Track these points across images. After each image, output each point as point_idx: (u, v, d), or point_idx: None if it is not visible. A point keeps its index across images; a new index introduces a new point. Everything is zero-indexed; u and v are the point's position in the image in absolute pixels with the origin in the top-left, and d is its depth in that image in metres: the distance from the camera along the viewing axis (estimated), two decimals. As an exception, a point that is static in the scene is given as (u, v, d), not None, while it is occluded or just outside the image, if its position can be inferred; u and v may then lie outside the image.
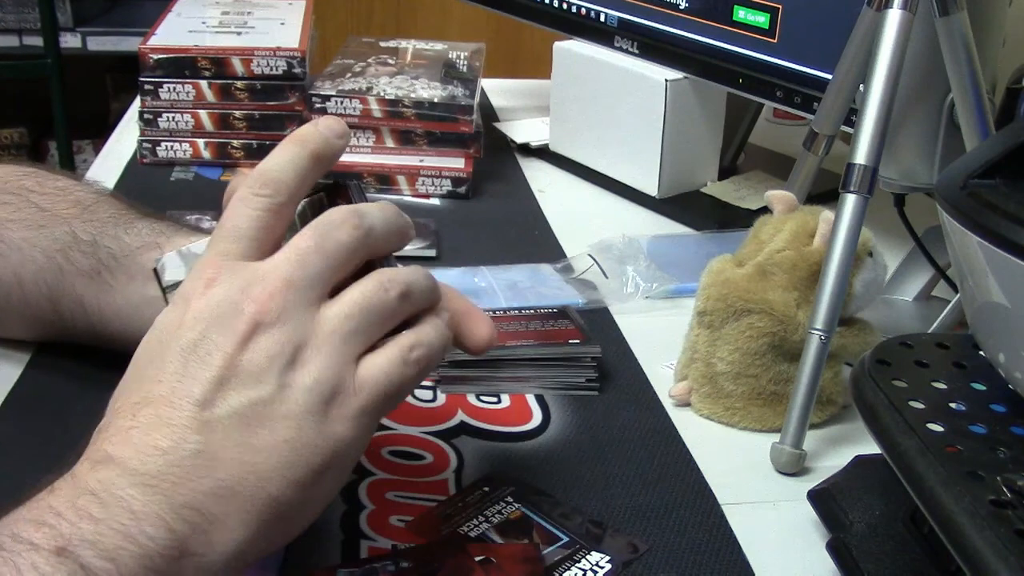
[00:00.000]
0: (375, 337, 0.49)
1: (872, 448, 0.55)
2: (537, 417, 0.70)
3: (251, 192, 0.51)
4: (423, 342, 0.50)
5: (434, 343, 0.51)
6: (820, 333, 0.66)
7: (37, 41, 2.26)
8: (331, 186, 0.56)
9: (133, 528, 0.42)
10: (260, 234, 0.50)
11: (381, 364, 0.49)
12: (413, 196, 1.06)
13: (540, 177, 1.13)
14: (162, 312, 0.50)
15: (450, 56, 1.20)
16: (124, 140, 1.16)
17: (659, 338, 0.79)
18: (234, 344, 0.46)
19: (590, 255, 0.90)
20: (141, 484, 0.43)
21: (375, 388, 0.48)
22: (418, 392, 0.72)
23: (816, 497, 0.61)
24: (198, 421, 0.45)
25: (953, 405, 0.54)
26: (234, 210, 0.51)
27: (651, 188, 1.06)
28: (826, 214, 0.71)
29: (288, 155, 0.52)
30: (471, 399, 0.71)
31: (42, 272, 0.67)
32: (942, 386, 0.55)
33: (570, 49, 1.12)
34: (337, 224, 0.50)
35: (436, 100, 1.06)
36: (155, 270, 0.62)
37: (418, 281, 0.51)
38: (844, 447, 0.68)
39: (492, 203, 1.06)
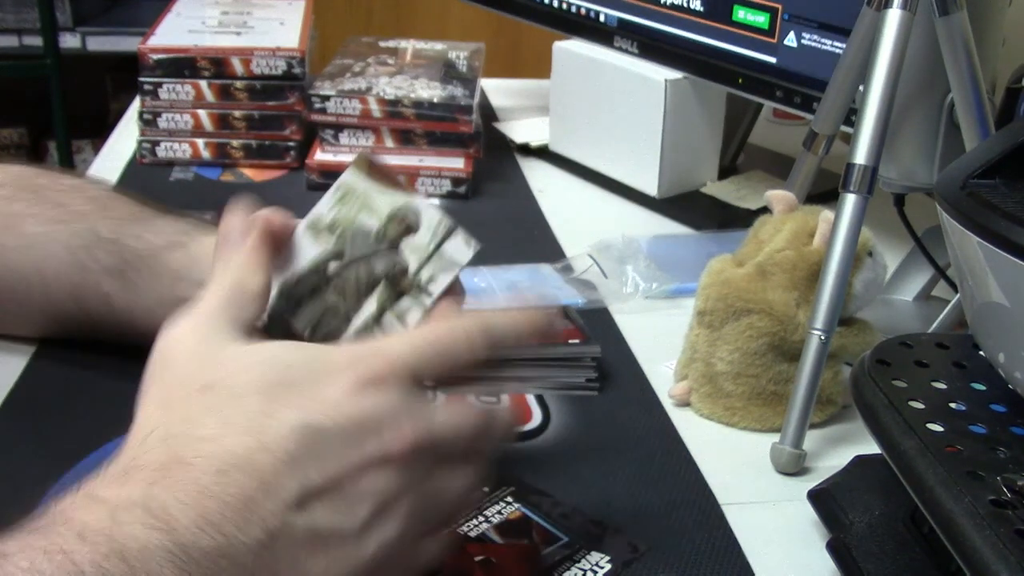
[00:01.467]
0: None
1: (872, 448, 0.55)
2: (537, 417, 0.70)
3: (466, 341, 0.49)
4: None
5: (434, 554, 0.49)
6: (820, 333, 0.66)
7: (37, 41, 2.26)
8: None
9: None
10: (438, 370, 0.49)
11: (422, 559, 0.48)
12: (413, 196, 1.06)
13: (540, 177, 1.13)
14: (297, 345, 0.47)
15: (450, 56, 1.20)
16: (124, 140, 1.16)
17: (659, 338, 0.79)
18: (355, 463, 0.44)
19: (590, 255, 0.90)
20: (177, 566, 0.39)
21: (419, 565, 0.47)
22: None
23: (816, 497, 0.61)
24: (278, 519, 0.42)
25: (953, 405, 0.54)
26: (443, 342, 0.48)
27: (651, 188, 1.06)
28: (826, 214, 0.71)
29: (512, 324, 0.52)
30: (471, 399, 0.71)
31: (65, 268, 0.67)
32: (942, 386, 0.55)
33: (570, 49, 1.12)
34: (489, 425, 0.49)
35: (436, 100, 1.06)
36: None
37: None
38: (844, 447, 0.68)
39: (492, 203, 1.06)
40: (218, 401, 0.44)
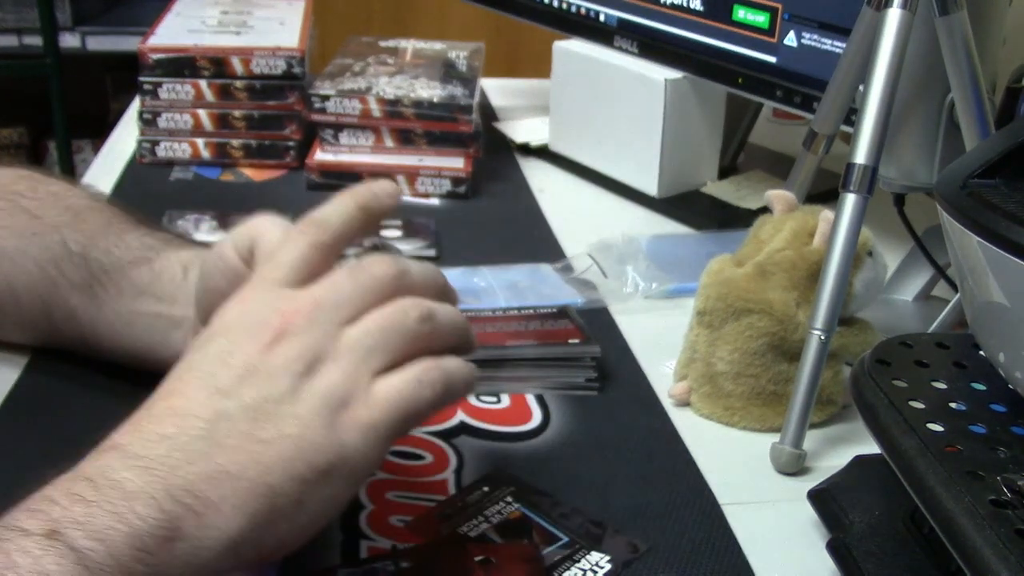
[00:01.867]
0: (395, 358, 0.50)
1: (872, 448, 0.55)
2: (537, 417, 0.70)
3: (298, 230, 0.53)
4: (441, 367, 0.51)
5: (453, 372, 0.51)
6: (820, 333, 0.66)
7: (36, 41, 2.25)
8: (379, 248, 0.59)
9: (124, 508, 0.42)
10: (300, 264, 0.51)
11: (395, 383, 0.49)
12: (413, 196, 1.06)
13: (540, 177, 1.13)
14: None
15: (449, 56, 1.20)
16: (123, 140, 1.16)
17: (659, 338, 0.79)
18: (256, 349, 0.48)
19: (590, 255, 0.90)
20: (137, 467, 0.44)
21: (387, 404, 0.49)
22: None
23: (816, 497, 0.61)
24: (208, 410, 0.46)
25: (953, 405, 0.54)
26: (280, 244, 0.53)
27: (651, 188, 1.06)
28: (826, 213, 0.71)
29: (337, 203, 0.54)
30: (471, 399, 0.71)
31: (35, 283, 0.67)
32: (942, 386, 0.55)
33: (570, 49, 1.12)
34: (373, 262, 0.52)
35: (435, 100, 1.06)
36: None
37: (447, 313, 0.52)
38: (844, 447, 0.68)
39: (492, 203, 1.06)
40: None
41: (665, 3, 1.02)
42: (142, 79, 1.07)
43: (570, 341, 0.74)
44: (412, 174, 1.06)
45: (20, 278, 0.68)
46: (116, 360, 0.68)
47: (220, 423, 0.46)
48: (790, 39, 0.92)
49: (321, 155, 1.06)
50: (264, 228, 0.55)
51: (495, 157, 1.15)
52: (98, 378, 0.70)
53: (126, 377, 0.70)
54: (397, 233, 0.94)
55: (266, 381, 0.47)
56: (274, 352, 0.48)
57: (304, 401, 0.47)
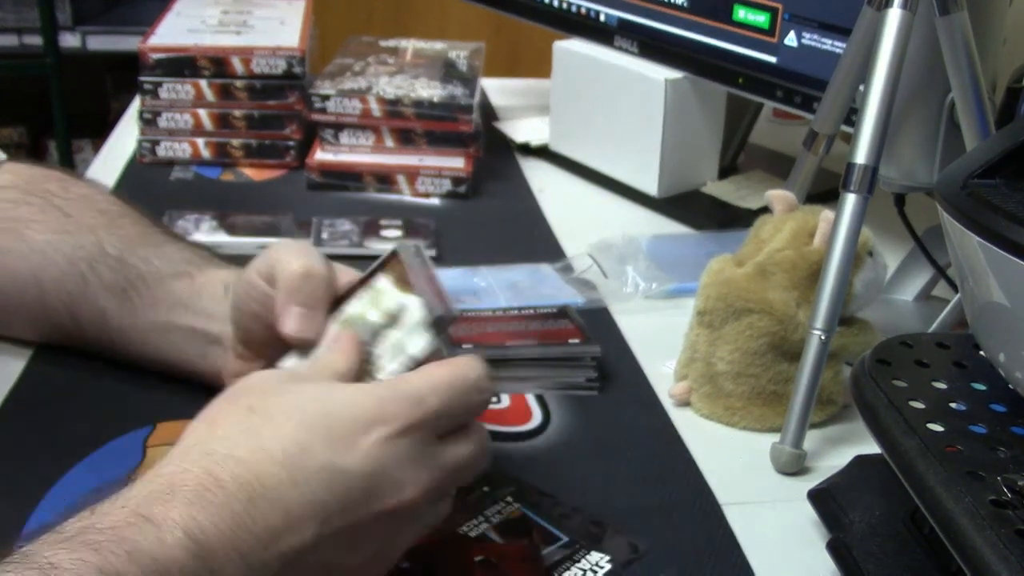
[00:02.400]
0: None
1: (872, 448, 0.55)
2: (537, 417, 0.70)
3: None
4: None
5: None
6: (820, 333, 0.66)
7: (37, 40, 2.25)
8: (388, 257, 0.59)
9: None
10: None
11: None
12: (413, 195, 1.06)
13: (540, 176, 1.13)
14: (336, 389, 0.52)
15: (450, 55, 1.20)
16: (124, 139, 1.16)
17: (659, 338, 0.79)
18: (374, 513, 0.49)
19: (590, 255, 0.90)
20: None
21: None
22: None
23: (816, 497, 0.61)
24: (294, 554, 0.47)
25: (953, 405, 0.54)
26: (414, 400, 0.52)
27: (651, 188, 1.06)
28: (826, 213, 0.71)
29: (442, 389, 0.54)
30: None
31: (64, 278, 0.68)
32: (942, 386, 0.55)
33: (570, 49, 1.12)
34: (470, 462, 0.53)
35: (436, 99, 1.06)
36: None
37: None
38: (844, 447, 0.68)
39: (492, 203, 1.06)
40: (258, 423, 0.48)
41: (666, 3, 1.02)
42: (142, 79, 1.07)
43: (570, 341, 0.74)
44: (412, 174, 1.06)
45: (49, 271, 0.68)
46: (142, 365, 0.69)
47: (292, 568, 0.47)
48: (790, 39, 0.92)
49: (321, 155, 1.06)
50: (281, 251, 0.59)
51: (495, 157, 1.15)
52: (100, 376, 0.70)
53: (128, 376, 0.70)
54: (397, 233, 0.94)
55: (357, 547, 0.49)
56: (383, 523, 0.49)
57: (368, 563, 0.50)
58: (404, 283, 0.56)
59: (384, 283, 0.57)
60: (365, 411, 0.49)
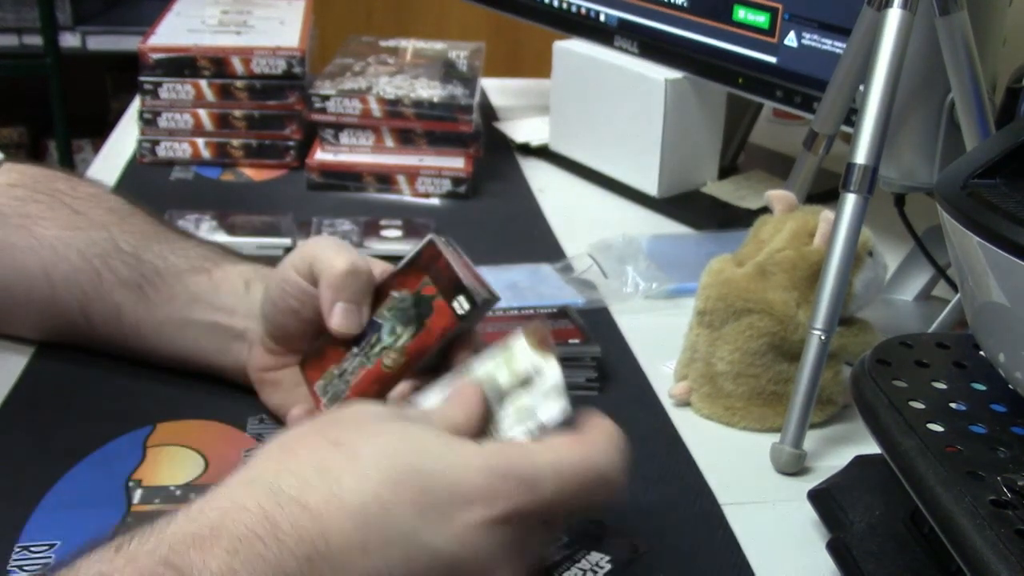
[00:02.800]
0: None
1: (872, 448, 0.55)
2: (537, 417, 0.70)
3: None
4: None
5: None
6: (820, 333, 0.66)
7: (37, 40, 2.25)
8: (422, 252, 0.58)
9: None
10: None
11: None
12: (413, 196, 1.06)
13: (540, 176, 1.13)
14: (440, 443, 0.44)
15: (450, 55, 1.20)
16: (124, 139, 1.16)
17: (659, 338, 0.79)
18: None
19: (590, 255, 0.90)
20: None
21: None
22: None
23: (816, 497, 0.61)
24: None
25: (953, 405, 0.54)
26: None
27: (651, 188, 1.06)
28: (826, 213, 0.71)
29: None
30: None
31: (77, 274, 0.68)
32: (942, 386, 0.55)
33: (570, 49, 1.12)
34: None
35: (436, 100, 1.06)
36: None
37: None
38: (844, 447, 0.68)
39: (492, 203, 1.06)
40: (340, 464, 0.41)
41: (666, 3, 1.02)
42: (142, 79, 1.07)
43: (570, 341, 0.74)
44: (412, 174, 1.06)
45: (60, 267, 0.68)
46: (157, 362, 0.69)
47: None
48: (790, 39, 0.92)
49: (321, 155, 1.06)
50: (319, 249, 0.59)
51: (495, 157, 1.15)
52: (100, 376, 0.70)
53: (128, 376, 0.70)
54: (398, 233, 0.94)
55: None
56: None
57: None
58: (543, 345, 0.52)
59: (519, 344, 0.52)
60: (469, 482, 0.42)
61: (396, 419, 0.45)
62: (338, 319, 0.57)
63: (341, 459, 0.41)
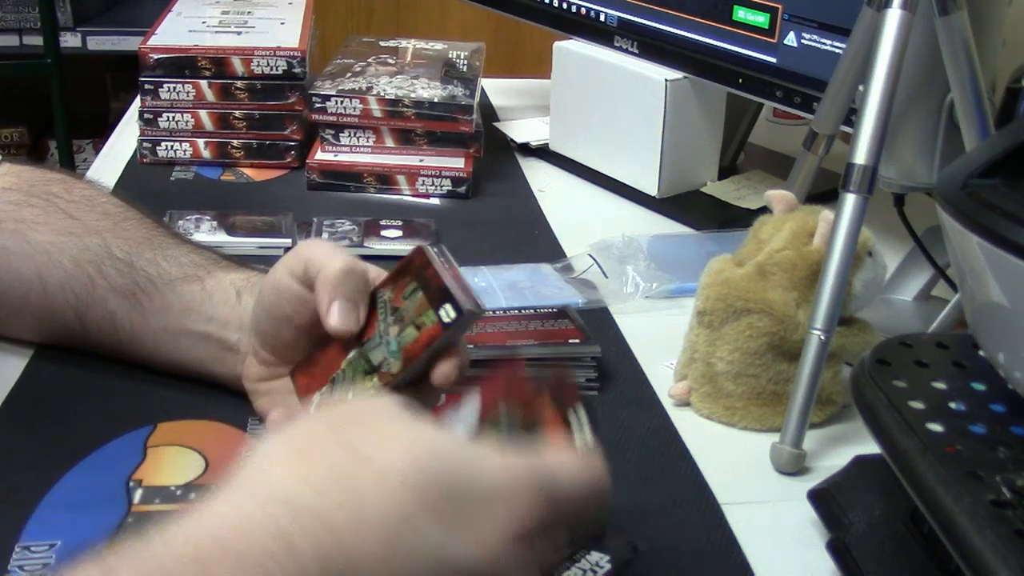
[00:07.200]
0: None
1: (872, 448, 0.55)
2: (537, 417, 0.70)
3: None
4: None
5: None
6: (820, 333, 0.66)
7: (37, 40, 2.25)
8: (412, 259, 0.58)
9: None
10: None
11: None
12: (413, 196, 1.06)
13: (540, 177, 1.13)
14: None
15: (450, 56, 1.20)
16: (124, 140, 1.16)
17: (659, 338, 0.79)
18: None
19: (590, 255, 0.90)
20: None
21: None
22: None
23: (816, 497, 0.61)
24: None
25: (953, 405, 0.54)
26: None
27: (651, 188, 1.06)
28: (826, 213, 0.71)
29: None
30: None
31: (70, 280, 0.68)
32: (942, 386, 0.55)
33: (570, 49, 1.12)
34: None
35: (436, 100, 1.06)
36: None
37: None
38: (844, 447, 0.68)
39: (492, 203, 1.06)
40: (356, 471, 0.39)
41: (666, 3, 1.02)
42: (143, 79, 1.07)
43: (570, 341, 0.74)
44: (412, 174, 1.06)
45: (54, 272, 0.68)
46: (153, 367, 0.69)
47: None
48: (790, 39, 0.92)
49: (322, 155, 1.06)
50: (314, 251, 0.58)
51: (495, 157, 1.15)
52: (100, 376, 0.70)
53: (128, 376, 0.70)
54: (398, 233, 0.94)
55: None
56: None
57: None
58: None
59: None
60: (488, 481, 0.41)
61: (408, 417, 0.43)
62: (336, 317, 0.57)
63: (356, 466, 0.39)
